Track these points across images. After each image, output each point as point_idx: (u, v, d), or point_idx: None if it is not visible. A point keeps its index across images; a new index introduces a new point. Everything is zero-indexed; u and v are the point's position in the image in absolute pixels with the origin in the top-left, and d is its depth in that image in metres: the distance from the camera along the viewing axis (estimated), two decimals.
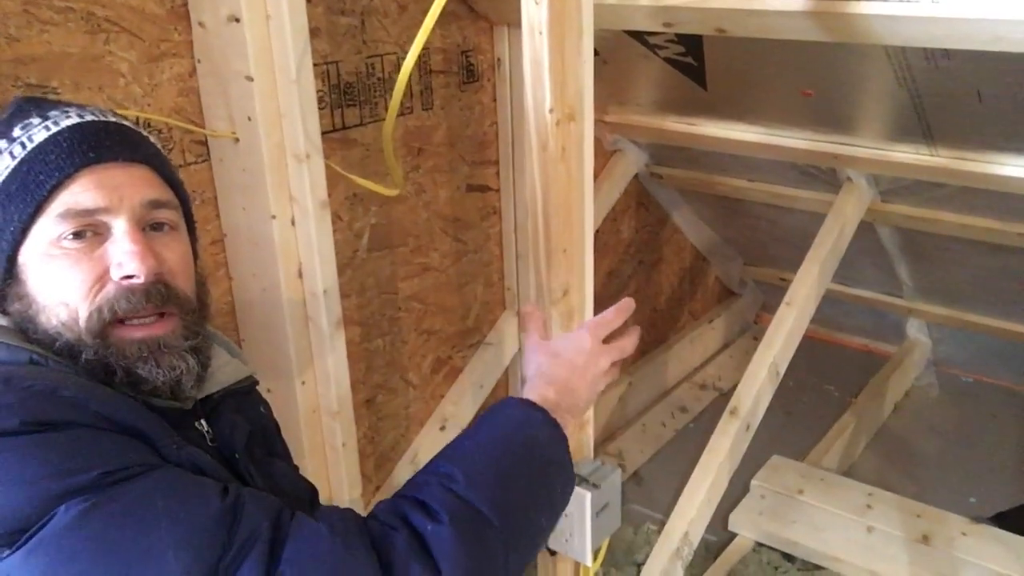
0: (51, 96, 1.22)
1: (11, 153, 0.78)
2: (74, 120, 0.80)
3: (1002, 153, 1.76)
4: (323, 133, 1.63)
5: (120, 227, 0.78)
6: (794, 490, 2.21)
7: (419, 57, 1.81)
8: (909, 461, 2.58)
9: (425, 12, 1.78)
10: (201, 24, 1.36)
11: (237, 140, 1.39)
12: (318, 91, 1.60)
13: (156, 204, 0.82)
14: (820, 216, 2.16)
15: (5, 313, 0.81)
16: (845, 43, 1.53)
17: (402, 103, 1.80)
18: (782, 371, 1.94)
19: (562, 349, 0.99)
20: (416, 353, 2.01)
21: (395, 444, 2.02)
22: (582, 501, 1.27)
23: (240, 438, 0.87)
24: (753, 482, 2.26)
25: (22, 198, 0.77)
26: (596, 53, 2.01)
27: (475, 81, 1.95)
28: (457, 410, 2.10)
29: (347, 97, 1.67)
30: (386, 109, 1.77)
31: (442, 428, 2.07)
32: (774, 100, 1.94)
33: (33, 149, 0.78)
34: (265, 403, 1.02)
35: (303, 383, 1.53)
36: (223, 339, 0.99)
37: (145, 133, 0.88)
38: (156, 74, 1.36)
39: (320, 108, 1.61)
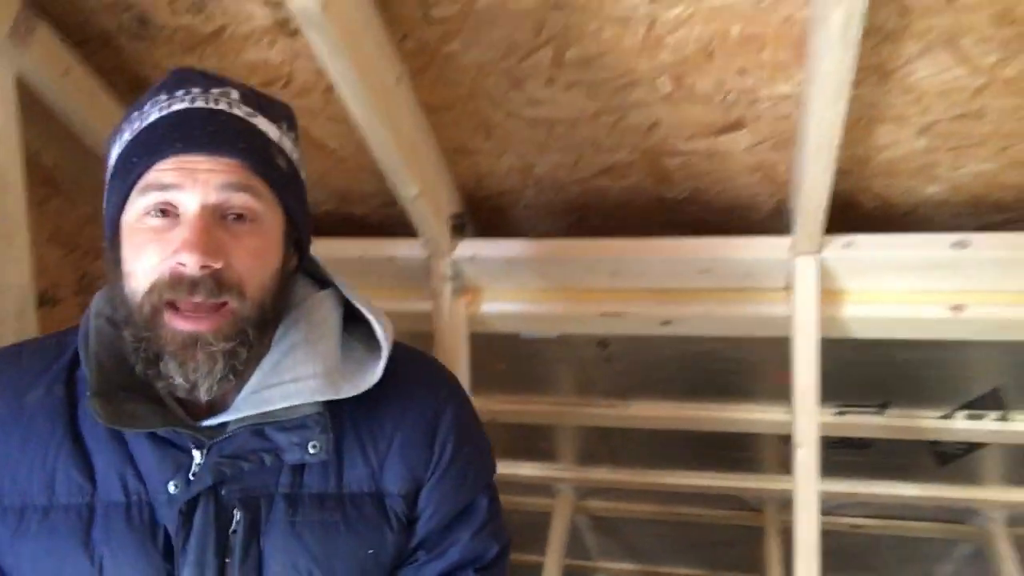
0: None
1: (132, 125, 0.82)
2: (183, 105, 0.80)
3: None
4: None
5: (189, 211, 0.77)
6: None
7: None
8: None
9: None
10: None
11: None
12: None
13: (236, 187, 0.78)
14: None
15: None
16: None
17: None
18: None
19: None
20: None
21: None
22: None
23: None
24: None
25: (127, 172, 0.80)
26: None
27: None
28: None
29: None
30: None
31: None
32: None
33: (144, 128, 0.81)
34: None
35: None
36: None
37: (254, 123, 0.82)
38: None
39: None
